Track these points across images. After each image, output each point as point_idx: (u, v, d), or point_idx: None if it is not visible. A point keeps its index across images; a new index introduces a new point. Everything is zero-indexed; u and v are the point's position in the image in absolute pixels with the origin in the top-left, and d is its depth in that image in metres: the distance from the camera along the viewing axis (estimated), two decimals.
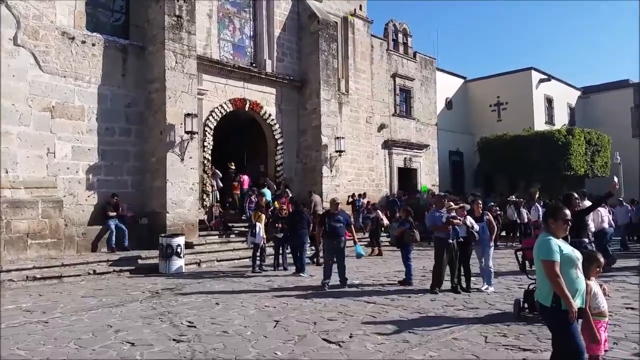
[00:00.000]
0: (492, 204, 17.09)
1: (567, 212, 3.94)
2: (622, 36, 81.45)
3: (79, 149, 13.01)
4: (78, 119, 13.06)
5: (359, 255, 10.19)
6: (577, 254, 3.85)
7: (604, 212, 12.54)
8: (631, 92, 34.21)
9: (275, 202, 15.15)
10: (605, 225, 12.26)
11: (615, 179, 8.62)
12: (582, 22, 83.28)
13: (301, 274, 11.26)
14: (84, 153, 13.11)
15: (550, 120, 32.59)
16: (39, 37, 12.36)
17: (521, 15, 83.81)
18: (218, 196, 15.75)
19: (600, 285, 4.17)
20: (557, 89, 33.64)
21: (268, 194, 16.05)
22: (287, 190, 16.81)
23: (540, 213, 15.33)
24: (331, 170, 18.93)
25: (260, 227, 11.92)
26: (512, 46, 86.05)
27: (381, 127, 23.14)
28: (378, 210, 16.82)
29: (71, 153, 12.89)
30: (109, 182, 13.52)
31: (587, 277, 3.95)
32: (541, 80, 32.01)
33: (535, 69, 31.86)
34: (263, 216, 12.22)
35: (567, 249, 3.81)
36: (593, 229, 12.04)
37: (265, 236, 12.08)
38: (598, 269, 4.12)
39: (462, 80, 33.52)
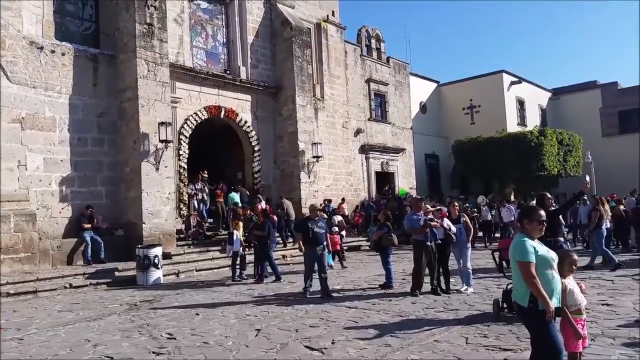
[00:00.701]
0: (467, 205, 17.27)
1: (542, 212, 3.99)
2: (588, 38, 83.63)
3: (51, 160, 12.73)
4: (49, 130, 12.79)
5: (328, 265, 10.30)
6: (552, 255, 3.91)
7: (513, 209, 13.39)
8: (599, 93, 35.12)
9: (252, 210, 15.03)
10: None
11: (587, 178, 8.81)
12: (551, 26, 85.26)
13: (279, 281, 11.24)
14: (56, 164, 12.83)
15: (522, 121, 33.20)
16: (5, 47, 12.06)
17: (492, 18, 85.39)
18: (196, 205, 15.55)
19: (578, 283, 4.24)
20: (528, 91, 34.32)
21: (236, 197, 16.04)
22: (259, 196, 16.66)
23: (515, 214, 15.54)
24: (309, 176, 18.91)
25: (237, 234, 11.83)
26: (483, 50, 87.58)
27: (357, 131, 23.25)
28: (334, 217, 15.47)
29: (43, 165, 12.60)
30: (83, 193, 13.26)
31: (562, 275, 4.01)
32: (512, 83, 32.61)
33: (507, 72, 32.43)
34: (240, 224, 12.17)
35: (543, 249, 3.85)
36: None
37: (244, 244, 11.98)
38: (571, 267, 4.19)
39: (435, 85, 33.94)
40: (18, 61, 12.34)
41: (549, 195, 8.46)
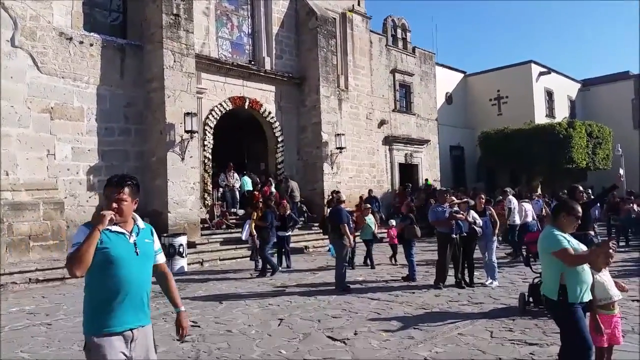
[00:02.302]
0: (500, 198, 16.95)
1: (579, 208, 3.92)
2: (622, 29, 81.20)
3: (79, 149, 12.97)
4: (77, 120, 13.02)
5: (332, 255, 10.45)
6: (582, 248, 3.83)
7: (527, 206, 13.06)
8: (631, 84, 34.10)
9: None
10: (529, 219, 13.01)
11: (621, 171, 8.56)
12: (581, 16, 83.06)
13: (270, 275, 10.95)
14: (84, 154, 13.07)
15: (550, 113, 32.50)
16: (36, 38, 12.30)
17: (520, 8, 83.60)
18: (228, 195, 15.99)
19: (616, 282, 4.14)
20: (557, 82, 33.54)
21: (248, 182, 16.64)
22: (270, 179, 16.77)
23: (541, 207, 15.14)
24: (332, 167, 18.87)
25: (248, 223, 11.72)
26: (511, 40, 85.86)
27: (381, 123, 23.07)
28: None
29: (71, 154, 12.84)
30: None
31: (597, 269, 3.93)
32: (541, 74, 31.91)
33: (535, 62, 31.74)
34: (254, 214, 11.73)
35: (573, 242, 3.78)
36: (518, 222, 12.62)
37: (255, 233, 11.41)
38: (607, 260, 4.08)
39: (461, 75, 33.42)
40: (48, 52, 12.56)
41: (581, 188, 8.28)
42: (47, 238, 11.81)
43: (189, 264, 12.13)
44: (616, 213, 16.42)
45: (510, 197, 13.45)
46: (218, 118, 16.22)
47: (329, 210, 12.23)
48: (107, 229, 2.80)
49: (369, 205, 13.45)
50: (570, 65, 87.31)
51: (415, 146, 24.84)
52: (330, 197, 17.08)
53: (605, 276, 4.04)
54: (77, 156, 12.93)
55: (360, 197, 18.75)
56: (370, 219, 12.48)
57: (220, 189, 16.32)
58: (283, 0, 18.85)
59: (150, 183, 14.00)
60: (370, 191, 20.63)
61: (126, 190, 2.91)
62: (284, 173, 18.26)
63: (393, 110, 24.00)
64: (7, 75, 11.66)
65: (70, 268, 2.71)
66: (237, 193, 16.50)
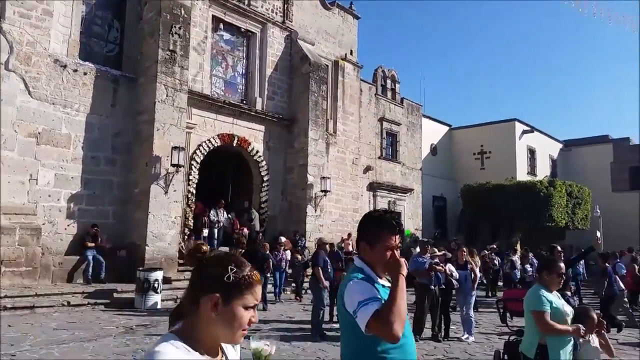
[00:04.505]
0: (486, 251, 17.10)
1: (562, 265, 4.00)
2: (601, 94, 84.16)
3: (62, 176, 12.85)
4: (64, 147, 12.96)
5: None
6: (567, 309, 3.88)
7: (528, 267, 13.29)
8: (611, 148, 35.09)
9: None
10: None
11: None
12: (565, 79, 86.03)
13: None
14: (67, 181, 12.95)
15: (532, 171, 33.15)
16: (30, 63, 12.38)
17: (506, 68, 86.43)
18: (215, 233, 15.92)
19: (604, 343, 4.14)
20: (540, 141, 34.39)
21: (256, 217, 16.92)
22: (252, 210, 16.85)
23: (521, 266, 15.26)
24: (315, 210, 18.90)
25: None
26: (497, 97, 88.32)
27: (367, 169, 23.32)
28: (293, 254, 14.86)
29: (54, 180, 12.72)
30: (90, 211, 13.32)
31: (590, 332, 3.97)
32: (524, 132, 32.72)
33: (519, 121, 32.58)
34: (241, 252, 11.96)
35: (558, 303, 3.83)
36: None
37: None
38: (592, 324, 4.10)
39: (447, 128, 34.13)
40: (41, 77, 12.62)
41: (559, 248, 8.43)
42: (21, 264, 11.53)
43: (162, 300, 11.88)
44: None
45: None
46: (205, 153, 16.27)
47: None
48: (379, 283, 2.38)
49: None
50: (553, 126, 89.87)
51: (399, 194, 25.06)
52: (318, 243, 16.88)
53: (593, 341, 4.05)
54: (60, 183, 12.81)
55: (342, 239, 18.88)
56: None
57: (205, 229, 16.13)
58: (278, 44, 19.29)
59: (131, 215, 13.87)
60: (332, 245, 15.34)
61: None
62: (267, 212, 18.23)
63: (379, 157, 24.32)
64: None
65: (398, 330, 2.14)
66: (219, 231, 16.41)
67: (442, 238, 25.40)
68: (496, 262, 17.49)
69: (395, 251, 2.38)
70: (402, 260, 2.34)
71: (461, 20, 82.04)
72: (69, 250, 12.83)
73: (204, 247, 1.88)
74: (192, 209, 15.72)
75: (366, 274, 2.37)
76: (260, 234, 15.66)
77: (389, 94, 25.76)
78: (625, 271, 13.57)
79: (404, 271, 2.30)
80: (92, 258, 12.59)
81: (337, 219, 21.12)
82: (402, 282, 2.26)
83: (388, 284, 2.38)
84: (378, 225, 2.43)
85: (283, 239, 14.91)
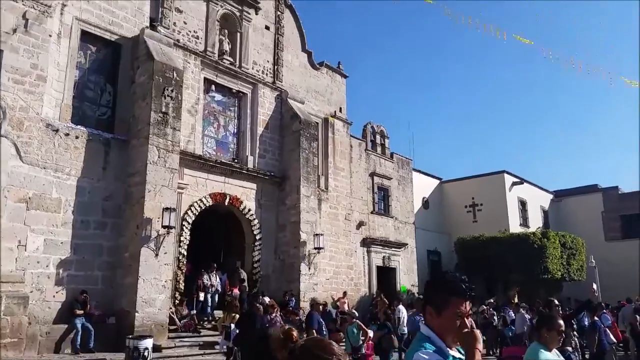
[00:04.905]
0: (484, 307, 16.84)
1: (562, 322, 3.89)
2: (591, 142, 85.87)
3: (51, 242, 12.60)
4: (54, 211, 12.79)
5: None
6: None
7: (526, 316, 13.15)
8: (600, 197, 35.44)
9: None
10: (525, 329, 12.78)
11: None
12: (550, 130, 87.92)
13: None
14: (57, 247, 12.68)
15: (524, 222, 33.23)
16: (23, 128, 12.37)
17: (493, 121, 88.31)
18: (209, 298, 15.61)
19: None
20: (530, 192, 34.68)
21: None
22: (241, 270, 16.57)
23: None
24: (309, 268, 18.62)
25: (234, 328, 11.36)
26: (485, 149, 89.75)
27: (360, 224, 23.23)
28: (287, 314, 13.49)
29: (43, 246, 12.45)
30: (79, 277, 12.98)
31: None
32: (514, 183, 33.03)
33: (508, 172, 32.96)
34: (237, 316, 11.67)
35: None
36: (406, 331, 12.56)
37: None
38: None
39: (437, 181, 34.36)
40: (33, 142, 12.60)
41: (556, 302, 8.29)
42: (5, 335, 11.07)
43: None
44: None
45: (400, 306, 13.43)
46: (197, 214, 16.14)
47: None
48: (450, 355, 2.21)
49: (355, 314, 11.17)
50: (542, 176, 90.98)
51: (393, 249, 24.85)
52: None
53: None
54: (49, 248, 12.54)
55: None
56: (352, 329, 10.25)
57: (201, 293, 15.73)
58: (269, 104, 19.61)
59: (121, 280, 13.53)
60: (325, 305, 15.97)
61: None
62: (260, 272, 17.92)
63: (371, 212, 24.29)
64: None
65: None
66: (212, 296, 16.06)
67: None
68: (495, 318, 17.12)
69: (467, 319, 2.16)
70: (478, 332, 2.15)
71: (446, 75, 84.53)
72: (57, 319, 12.38)
73: (294, 335, 1.71)
74: (183, 271, 15.42)
75: (436, 344, 2.15)
76: (260, 296, 14.99)
77: (379, 149, 26.07)
78: (610, 322, 13.27)
79: (480, 345, 2.10)
80: (80, 326, 12.13)
81: (331, 277, 20.81)
82: (479, 358, 2.09)
83: (459, 355, 2.18)
84: (446, 289, 2.21)
85: (267, 299, 14.36)
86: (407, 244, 25.87)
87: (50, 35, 13.21)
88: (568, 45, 72.26)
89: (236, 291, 16.06)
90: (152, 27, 15.70)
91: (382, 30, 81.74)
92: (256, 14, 19.59)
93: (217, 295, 16.17)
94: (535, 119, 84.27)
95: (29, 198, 12.35)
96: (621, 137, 79.19)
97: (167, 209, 13.87)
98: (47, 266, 12.48)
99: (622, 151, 79.13)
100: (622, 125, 78.55)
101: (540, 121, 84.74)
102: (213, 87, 18.07)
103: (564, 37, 74.08)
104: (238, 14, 18.92)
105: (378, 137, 26.29)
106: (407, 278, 25.27)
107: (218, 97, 18.39)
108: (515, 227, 31.31)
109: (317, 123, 21.60)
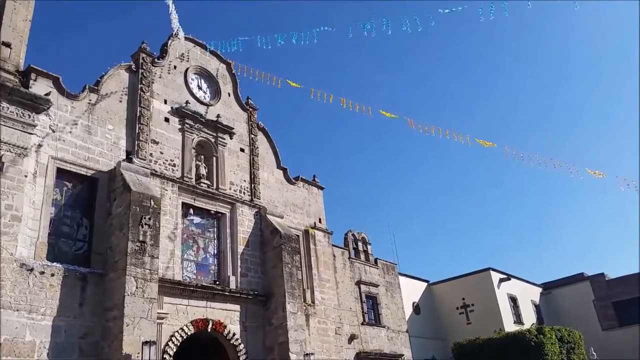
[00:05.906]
0: None
1: None
2: (571, 232, 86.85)
3: None
4: (27, 356, 12.10)
5: None
6: None
7: None
8: (589, 285, 35.14)
9: None
10: None
11: None
12: (531, 222, 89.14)
13: None
14: None
15: (518, 319, 32.41)
16: None
17: (472, 219, 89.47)
18: None
19: None
20: (519, 287, 34.20)
21: None
22: None
23: None
24: None
25: None
26: (469, 247, 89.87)
27: (351, 337, 22.38)
28: None
29: None
30: None
31: None
32: (501, 280, 32.66)
33: (493, 269, 32.68)
34: None
35: None
36: None
37: None
38: None
39: (425, 284, 33.78)
40: (6, 284, 12.23)
41: None
42: None
43: None
44: None
45: None
46: (178, 344, 15.43)
47: None
48: None
49: None
50: (527, 270, 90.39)
51: None
52: None
53: None
54: None
55: None
56: None
57: None
58: (248, 221, 19.69)
59: None
60: None
61: None
62: None
63: (362, 324, 23.55)
64: None
65: None
66: None
67: None
68: None
69: None
70: None
71: (418, 174, 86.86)
72: None
73: None
74: None
75: None
76: None
77: (362, 255, 25.94)
78: None
79: None
80: None
81: None
82: None
83: None
84: None
85: None
86: (403, 355, 24.83)
87: (25, 176, 13.41)
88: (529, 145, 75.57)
89: None
90: (129, 159, 16.08)
91: (356, 140, 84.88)
92: (231, 138, 20.35)
93: None
94: (515, 214, 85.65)
95: (0, 343, 11.72)
96: (601, 224, 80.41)
97: (146, 342, 13.27)
98: None
99: (604, 238, 79.94)
100: (601, 215, 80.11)
101: (522, 216, 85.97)
102: (191, 210, 18.18)
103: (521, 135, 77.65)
104: (213, 140, 19.61)
105: (360, 244, 26.26)
106: None
107: (197, 219, 18.45)
108: (509, 325, 30.47)
109: (298, 236, 21.59)
